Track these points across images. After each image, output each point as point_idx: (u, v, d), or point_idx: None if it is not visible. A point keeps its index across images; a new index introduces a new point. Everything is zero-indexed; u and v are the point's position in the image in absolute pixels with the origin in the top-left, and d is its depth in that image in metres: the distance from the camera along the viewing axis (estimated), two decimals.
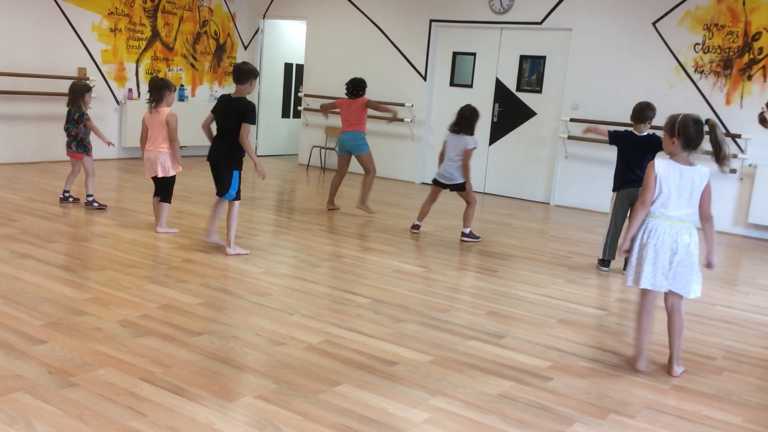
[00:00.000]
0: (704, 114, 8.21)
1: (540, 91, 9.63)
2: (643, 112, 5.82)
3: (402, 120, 7.66)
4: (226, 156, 5.50)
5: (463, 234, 6.79)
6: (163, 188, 6.17)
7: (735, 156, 8.17)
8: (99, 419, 2.84)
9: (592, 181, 9.10)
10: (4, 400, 2.93)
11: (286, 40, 12.51)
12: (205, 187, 8.54)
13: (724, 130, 8.25)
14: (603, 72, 9.01)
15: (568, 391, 3.49)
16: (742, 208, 8.29)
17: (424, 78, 10.40)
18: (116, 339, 3.69)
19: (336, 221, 7.31)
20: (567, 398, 3.41)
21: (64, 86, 9.40)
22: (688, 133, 3.61)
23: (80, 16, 9.65)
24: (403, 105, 10.47)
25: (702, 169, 3.69)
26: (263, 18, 11.89)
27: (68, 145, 6.87)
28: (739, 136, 8.20)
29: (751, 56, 8.13)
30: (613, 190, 6.03)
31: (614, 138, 5.97)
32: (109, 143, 6.93)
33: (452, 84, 10.33)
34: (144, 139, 6.21)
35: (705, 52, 8.39)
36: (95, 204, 6.84)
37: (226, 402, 3.09)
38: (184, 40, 11.08)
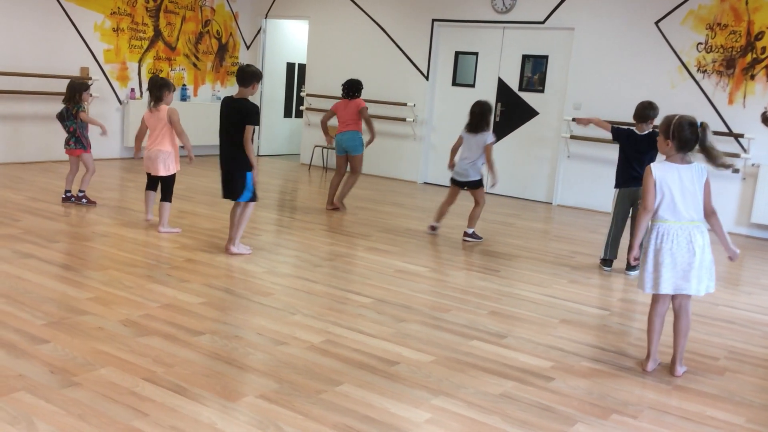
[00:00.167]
0: (705, 115, 8.25)
1: (542, 91, 9.61)
2: (645, 111, 5.82)
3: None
4: (236, 159, 5.47)
5: (466, 234, 6.78)
6: (164, 187, 6.19)
7: (737, 156, 8.16)
8: (101, 419, 2.84)
9: (595, 181, 9.08)
10: (6, 399, 2.93)
11: (289, 39, 12.51)
12: (208, 187, 8.55)
13: (721, 129, 8.24)
14: (605, 71, 9.00)
15: (570, 391, 3.48)
16: (745, 207, 8.27)
17: (427, 77, 10.39)
18: (118, 338, 3.69)
19: (338, 221, 7.31)
20: (569, 398, 3.41)
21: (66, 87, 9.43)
22: (683, 136, 3.61)
23: (83, 15, 9.65)
24: (405, 105, 10.47)
25: (699, 165, 3.69)
26: (265, 17, 11.89)
27: (66, 143, 6.89)
28: (741, 135, 8.18)
29: (754, 56, 8.12)
30: (615, 187, 6.04)
31: (616, 134, 5.98)
32: (104, 130, 6.91)
33: (454, 84, 10.32)
34: (140, 136, 6.26)
35: (708, 52, 8.37)
36: (84, 200, 6.87)
37: (228, 402, 3.09)
38: (186, 40, 11.08)
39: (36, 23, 9.17)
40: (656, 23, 8.65)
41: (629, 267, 5.94)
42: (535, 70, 9.74)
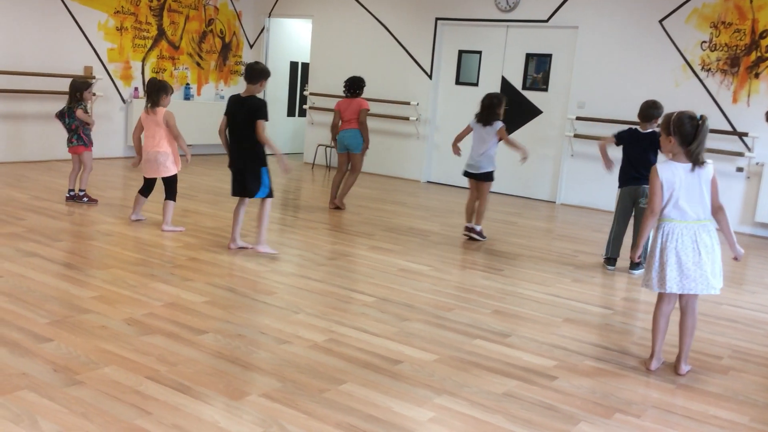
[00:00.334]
0: (709, 114, 8.22)
1: (546, 90, 9.60)
2: (649, 110, 5.81)
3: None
4: (249, 157, 5.46)
5: (474, 230, 6.72)
6: (166, 187, 6.20)
7: (742, 155, 8.14)
8: (104, 417, 2.84)
9: (599, 180, 9.06)
10: (10, 398, 2.94)
11: (292, 38, 12.51)
12: (211, 186, 8.55)
13: (725, 128, 8.22)
14: (609, 70, 8.98)
15: (573, 390, 3.48)
16: (749, 206, 8.25)
17: (430, 76, 10.39)
18: (121, 337, 3.70)
19: (341, 220, 7.31)
20: (573, 397, 3.40)
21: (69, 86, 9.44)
22: (684, 130, 3.59)
23: (86, 14, 9.67)
24: (408, 103, 10.46)
25: (705, 162, 3.67)
26: (269, 16, 11.90)
27: (68, 141, 6.93)
28: (746, 134, 8.16)
29: (759, 54, 8.09)
30: (619, 187, 6.03)
31: (619, 139, 5.96)
32: (92, 123, 6.90)
33: (458, 82, 10.31)
34: (137, 134, 6.30)
35: (712, 50, 8.35)
36: (85, 199, 6.89)
37: (231, 400, 3.08)
38: (189, 39, 11.09)
39: (40, 22, 9.19)
40: (660, 22, 8.63)
41: (633, 266, 5.93)
42: (538, 68, 9.72)
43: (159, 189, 6.35)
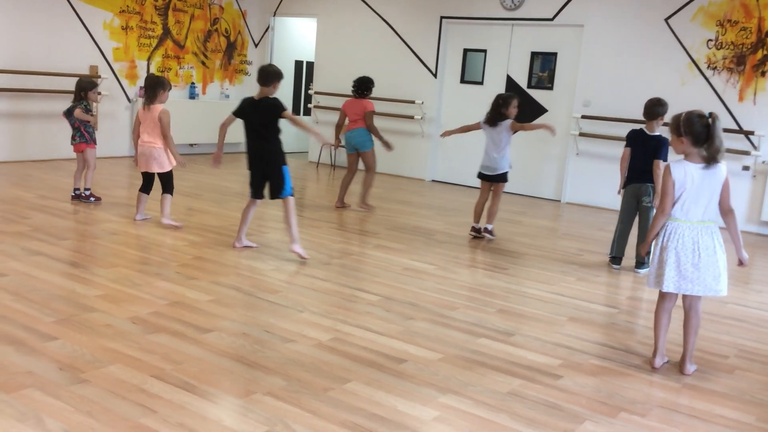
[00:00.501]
0: (714, 110, 8.20)
1: (551, 88, 9.58)
2: (654, 108, 5.79)
3: (391, 148, 7.75)
4: (272, 156, 5.46)
5: (485, 230, 6.71)
6: (162, 182, 6.24)
7: (748, 153, 8.11)
8: (109, 416, 2.85)
9: (604, 179, 9.04)
10: (16, 396, 2.95)
11: (297, 37, 12.51)
12: (216, 185, 8.57)
13: (731, 126, 8.19)
14: (615, 69, 8.96)
15: (578, 389, 3.47)
16: (756, 205, 8.22)
17: (435, 75, 10.38)
18: (127, 336, 3.70)
19: (346, 219, 7.31)
20: (577, 396, 3.39)
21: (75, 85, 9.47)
22: (695, 129, 3.57)
23: (92, 14, 9.69)
24: (413, 102, 10.45)
25: (718, 164, 3.64)
26: (274, 15, 11.90)
27: (72, 138, 6.94)
28: (752, 133, 8.13)
29: (765, 52, 8.06)
30: (622, 188, 6.02)
31: (627, 140, 5.96)
32: (89, 120, 6.90)
33: (463, 81, 10.30)
34: (136, 132, 6.32)
35: (718, 49, 8.32)
36: (91, 198, 6.90)
37: (236, 399, 3.09)
38: (195, 38, 11.11)
39: (45, 22, 9.21)
40: (666, 20, 8.60)
41: (638, 265, 5.92)
42: (543, 67, 9.70)
43: (159, 184, 6.37)
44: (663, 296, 3.82)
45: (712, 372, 3.85)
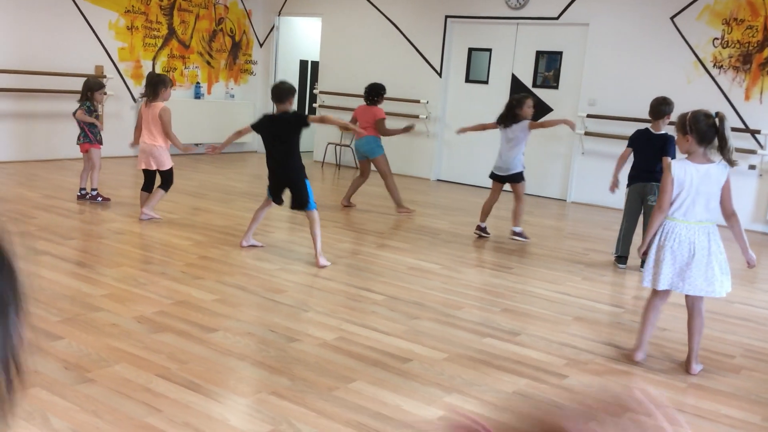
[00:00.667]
0: (720, 109, 8.17)
1: (556, 87, 9.56)
2: (659, 107, 5.78)
3: (413, 128, 7.73)
4: (293, 171, 5.48)
5: (514, 233, 6.61)
6: (162, 178, 6.28)
7: (754, 152, 8.08)
8: (114, 415, 2.85)
9: (609, 178, 9.00)
10: (21, 395, 2.95)
11: (302, 37, 12.52)
12: (221, 184, 8.57)
13: (737, 125, 8.16)
14: (620, 67, 8.94)
15: (583, 389, 3.46)
16: (762, 204, 8.19)
17: (440, 74, 10.37)
18: (132, 335, 3.71)
19: (351, 218, 7.31)
20: (583, 396, 3.38)
21: (81, 84, 9.48)
22: (700, 128, 3.56)
23: (97, 14, 9.71)
24: (418, 101, 10.45)
25: (720, 165, 3.63)
26: (278, 15, 11.91)
27: (78, 138, 6.96)
28: (758, 131, 8.10)
29: None
30: (627, 185, 6.01)
31: (631, 142, 5.95)
32: (94, 121, 6.91)
33: (468, 80, 10.28)
34: (138, 129, 6.35)
35: (724, 47, 8.29)
36: (99, 198, 6.91)
37: (241, 398, 3.09)
38: (200, 38, 11.12)
39: (51, 22, 9.23)
40: (672, 18, 8.57)
41: (644, 264, 5.90)
42: (549, 66, 9.68)
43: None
44: (655, 293, 3.84)
45: (718, 372, 3.84)
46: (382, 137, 7.70)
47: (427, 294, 4.86)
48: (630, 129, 6.69)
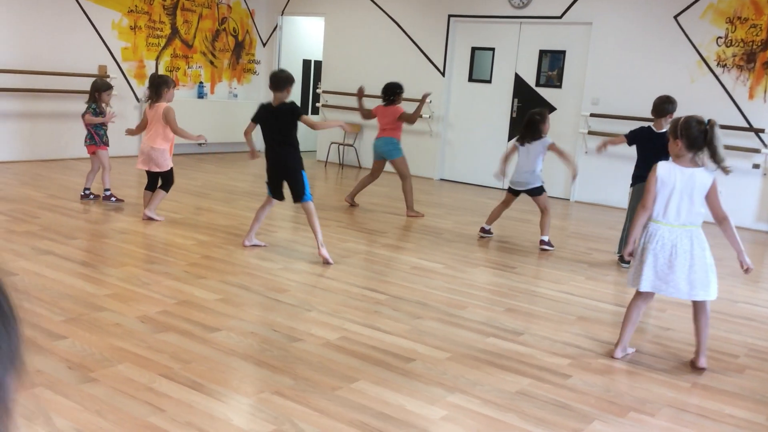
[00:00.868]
0: (724, 110, 8.16)
1: (560, 86, 9.55)
2: (662, 106, 5.77)
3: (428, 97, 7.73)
4: (291, 161, 5.48)
5: (543, 242, 6.46)
6: (163, 179, 6.30)
7: (758, 152, 8.06)
8: (118, 414, 2.85)
9: (613, 177, 9.00)
10: (25, 395, 2.96)
11: (305, 36, 12.52)
12: (225, 184, 8.58)
13: (741, 124, 8.14)
14: (624, 66, 8.92)
15: (587, 389, 3.46)
16: (765, 203, 8.17)
17: (443, 74, 10.36)
18: (135, 335, 3.71)
19: (354, 218, 7.30)
20: (586, 396, 3.38)
21: (85, 84, 9.48)
22: (691, 134, 3.59)
23: (100, 13, 9.72)
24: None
25: (706, 170, 3.65)
26: (281, 15, 11.91)
27: (85, 140, 6.96)
28: (762, 130, 8.08)
29: None
30: (631, 185, 5.99)
31: (631, 139, 5.93)
32: (102, 120, 6.89)
33: (471, 79, 10.27)
34: (142, 128, 6.39)
35: (728, 46, 8.27)
36: (113, 198, 6.90)
37: (244, 398, 3.09)
38: (203, 38, 11.13)
39: (54, 22, 9.25)
40: (675, 17, 8.55)
41: (622, 260, 5.94)
42: (552, 65, 9.67)
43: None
44: (638, 294, 3.85)
45: (723, 371, 3.83)
46: (399, 140, 7.60)
47: (431, 293, 4.85)
48: (633, 128, 6.67)
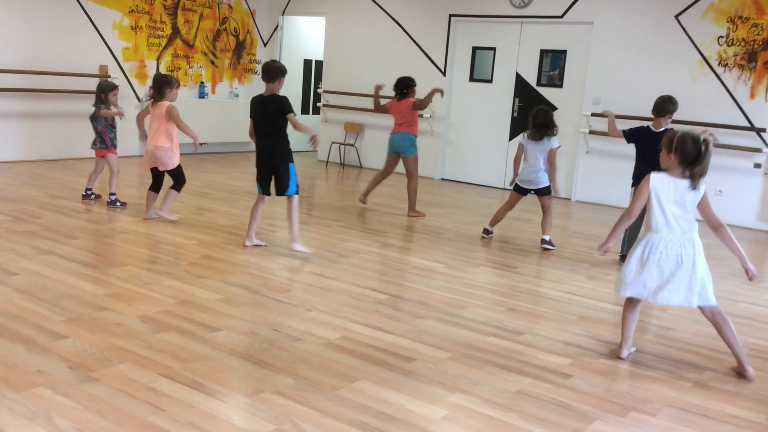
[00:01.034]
0: (726, 109, 8.15)
1: (561, 86, 9.54)
2: (664, 105, 5.77)
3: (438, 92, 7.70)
4: (279, 154, 5.48)
5: (544, 241, 6.45)
6: (172, 178, 6.29)
7: (759, 151, 8.05)
8: (118, 414, 2.85)
9: (614, 177, 9.00)
10: (26, 394, 2.96)
11: (306, 36, 12.52)
12: (226, 184, 8.58)
13: (742, 124, 8.13)
14: (625, 66, 8.92)
15: (588, 389, 3.45)
16: (767, 203, 8.16)
17: (444, 73, 10.35)
18: (136, 334, 3.71)
19: (355, 217, 7.30)
20: (587, 396, 3.38)
21: (86, 84, 9.51)
22: (686, 150, 3.61)
23: (101, 13, 9.72)
24: None
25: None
26: (282, 15, 11.91)
27: (93, 143, 6.95)
28: (764, 130, 8.07)
29: None
30: (632, 186, 5.98)
31: (630, 136, 5.93)
32: (121, 115, 6.87)
33: (472, 79, 10.27)
34: (141, 116, 6.42)
35: (729, 45, 8.26)
36: (118, 203, 6.88)
37: (244, 397, 3.09)
38: (204, 38, 11.13)
39: (55, 22, 9.25)
40: (676, 17, 8.55)
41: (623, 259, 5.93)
42: (553, 65, 9.67)
43: (168, 181, 6.40)
44: (631, 301, 3.88)
45: (724, 371, 3.82)
46: (416, 136, 7.56)
47: (431, 293, 4.85)
48: (632, 126, 6.66)
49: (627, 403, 3.34)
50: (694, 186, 3.64)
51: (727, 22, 8.25)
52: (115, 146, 6.95)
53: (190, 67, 11.00)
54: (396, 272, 5.33)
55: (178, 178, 6.33)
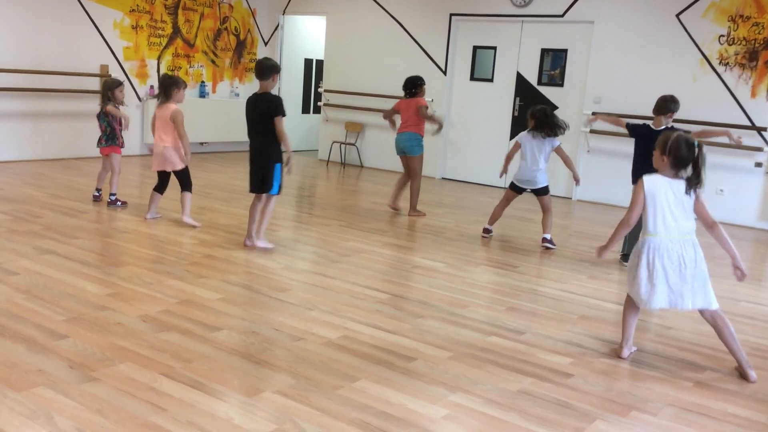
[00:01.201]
0: (727, 108, 8.14)
1: (561, 85, 9.54)
2: (666, 104, 5.76)
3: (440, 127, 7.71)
4: (266, 153, 5.50)
5: (545, 240, 6.45)
6: (180, 179, 6.26)
7: (761, 150, 8.05)
8: (119, 414, 2.85)
9: (615, 176, 8.99)
10: (26, 394, 2.96)
11: (306, 35, 12.52)
12: (226, 183, 8.58)
13: (744, 123, 8.12)
14: (626, 65, 8.91)
15: (589, 388, 3.45)
16: None
17: (444, 72, 10.35)
18: (137, 334, 3.71)
19: (356, 217, 7.30)
20: (588, 395, 3.37)
21: (87, 83, 9.52)
22: (679, 154, 3.62)
23: (102, 13, 9.73)
24: None
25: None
26: (283, 14, 11.91)
27: (99, 141, 6.92)
28: (765, 129, 8.06)
29: None
30: (633, 184, 5.98)
31: (632, 130, 5.93)
32: (126, 122, 6.84)
33: (472, 78, 10.27)
34: (154, 128, 6.35)
35: (730, 44, 8.25)
36: (118, 203, 6.87)
37: (245, 397, 3.09)
38: (204, 37, 11.13)
39: (56, 21, 9.25)
40: (677, 16, 8.54)
41: (625, 258, 5.93)
42: (554, 64, 9.66)
43: (174, 184, 6.37)
44: (633, 304, 3.87)
45: (724, 371, 3.82)
46: (423, 135, 7.55)
47: (432, 292, 4.85)
48: (636, 122, 6.66)
49: (628, 402, 3.34)
50: (689, 191, 3.64)
51: (728, 21, 8.24)
52: (119, 146, 6.90)
53: (190, 67, 11.00)
54: (397, 272, 5.33)
55: (186, 180, 6.29)
